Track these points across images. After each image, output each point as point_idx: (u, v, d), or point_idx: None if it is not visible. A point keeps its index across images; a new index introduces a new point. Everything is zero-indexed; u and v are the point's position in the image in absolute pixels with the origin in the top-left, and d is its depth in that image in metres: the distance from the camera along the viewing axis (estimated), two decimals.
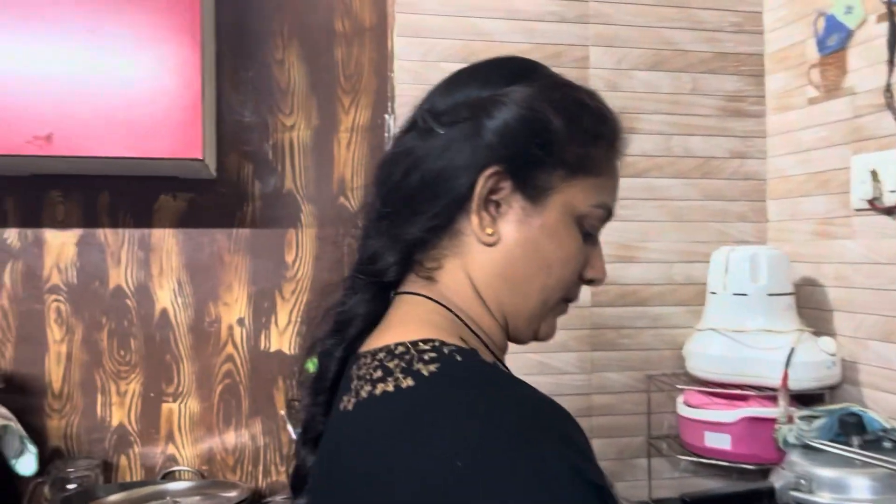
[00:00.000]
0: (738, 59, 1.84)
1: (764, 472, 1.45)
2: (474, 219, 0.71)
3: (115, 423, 1.56)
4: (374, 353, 0.69)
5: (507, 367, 0.77)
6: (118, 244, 1.56)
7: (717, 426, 1.57)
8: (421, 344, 0.66)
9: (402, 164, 0.74)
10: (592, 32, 1.76)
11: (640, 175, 1.78)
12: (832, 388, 1.59)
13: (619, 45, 1.77)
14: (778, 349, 1.54)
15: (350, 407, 0.68)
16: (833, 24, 1.62)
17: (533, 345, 1.73)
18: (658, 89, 1.79)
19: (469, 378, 0.64)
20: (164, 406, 1.58)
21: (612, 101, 1.76)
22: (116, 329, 1.56)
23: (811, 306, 1.69)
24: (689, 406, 1.64)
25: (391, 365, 0.65)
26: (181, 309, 1.59)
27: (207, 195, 1.59)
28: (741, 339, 1.58)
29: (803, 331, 1.58)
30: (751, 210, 1.83)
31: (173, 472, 1.58)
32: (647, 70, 1.79)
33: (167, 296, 1.58)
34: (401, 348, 0.66)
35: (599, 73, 1.76)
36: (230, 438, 1.61)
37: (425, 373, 0.63)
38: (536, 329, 0.77)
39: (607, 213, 0.76)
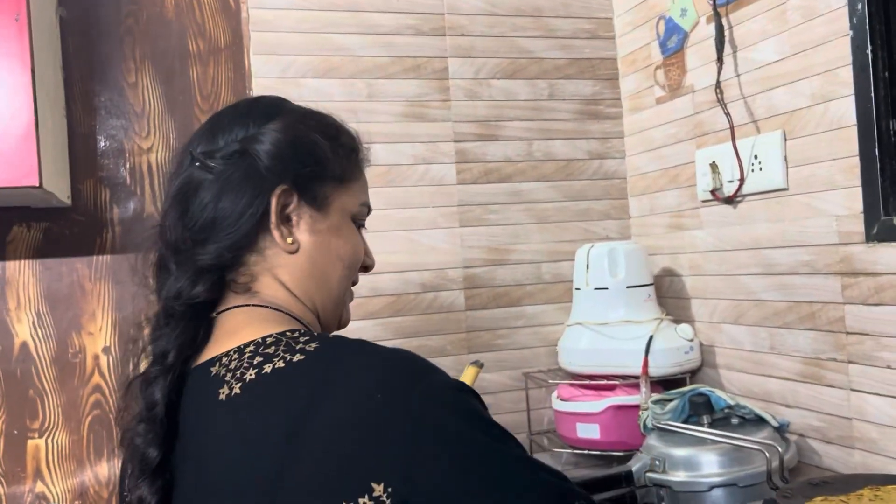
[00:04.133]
0: (592, 63, 1.91)
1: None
2: (276, 233, 0.81)
3: None
4: (239, 349, 0.74)
5: None
6: None
7: (586, 417, 1.63)
8: (289, 333, 0.74)
9: (194, 199, 0.80)
10: (449, 44, 1.81)
11: (505, 180, 1.83)
12: (693, 372, 1.67)
13: (477, 55, 1.83)
14: (638, 339, 1.61)
15: (236, 391, 0.71)
16: (672, 27, 1.71)
17: None
18: (516, 97, 1.85)
19: (353, 344, 0.73)
20: (30, 442, 1.53)
21: (473, 110, 1.84)
22: None
23: (671, 296, 1.77)
24: (562, 400, 1.69)
25: (269, 351, 0.72)
26: (42, 341, 1.55)
27: (63, 223, 1.55)
28: (605, 331, 1.65)
29: (662, 319, 1.65)
30: (613, 208, 1.91)
31: None
32: (505, 79, 1.84)
33: (26, 329, 1.54)
34: (270, 339, 0.73)
35: (459, 83, 1.81)
36: (103, 470, 1.57)
37: (310, 348, 0.71)
38: (341, 315, 0.90)
39: (368, 209, 0.92)
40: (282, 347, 0.72)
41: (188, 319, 0.79)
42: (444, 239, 1.79)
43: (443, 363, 1.77)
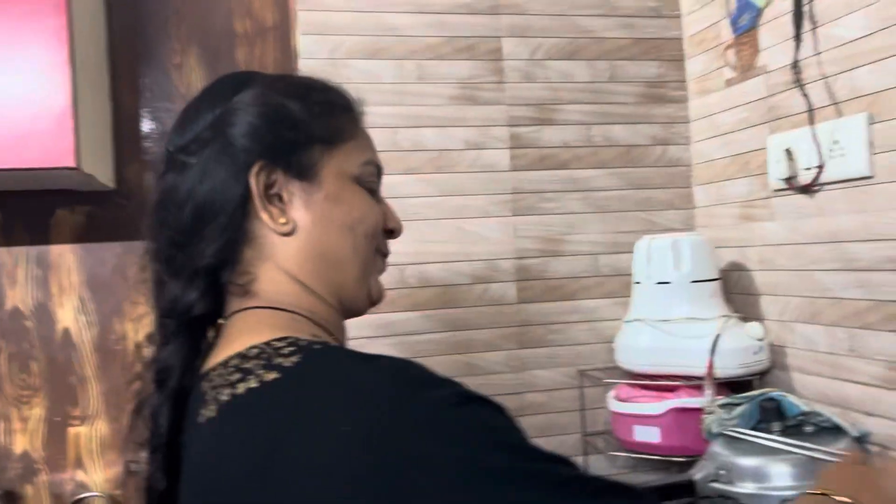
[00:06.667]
0: (656, 44, 1.80)
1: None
2: (264, 216, 0.74)
3: (18, 450, 1.49)
4: (224, 363, 0.67)
5: None
6: (13, 263, 1.49)
7: (645, 419, 1.53)
8: (275, 342, 0.66)
9: (173, 202, 0.74)
10: (505, 23, 1.72)
11: (561, 167, 1.74)
12: (762, 374, 1.56)
13: (533, 34, 1.73)
14: (703, 337, 1.50)
15: (212, 414, 0.65)
16: (744, 3, 1.59)
17: (460, 346, 1.68)
18: (575, 78, 1.75)
19: (333, 361, 0.64)
20: (71, 430, 1.51)
21: (528, 92, 1.75)
22: (17, 352, 1.49)
23: (739, 291, 1.65)
24: (620, 400, 1.59)
25: (249, 365, 0.65)
26: (85, 328, 1.52)
27: (106, 207, 1.52)
28: (666, 328, 1.54)
29: (729, 317, 1.54)
30: (677, 197, 1.80)
31: (84, 498, 1.50)
32: (563, 59, 1.75)
33: (69, 315, 1.51)
34: (254, 350, 0.66)
35: (513, 64, 1.72)
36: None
37: (287, 364, 0.63)
38: (368, 292, 0.80)
39: (377, 168, 0.82)
40: (261, 362, 0.64)
41: (184, 336, 0.74)
42: (495, 228, 1.71)
43: (492, 358, 1.70)
